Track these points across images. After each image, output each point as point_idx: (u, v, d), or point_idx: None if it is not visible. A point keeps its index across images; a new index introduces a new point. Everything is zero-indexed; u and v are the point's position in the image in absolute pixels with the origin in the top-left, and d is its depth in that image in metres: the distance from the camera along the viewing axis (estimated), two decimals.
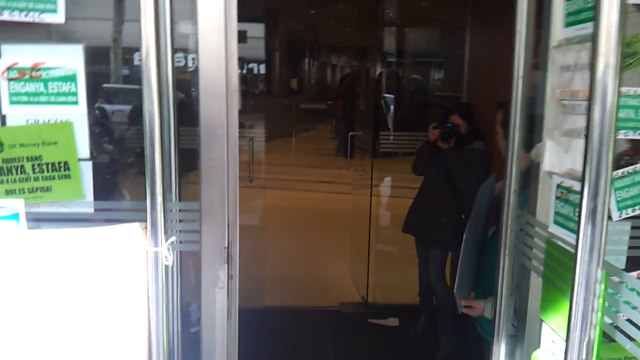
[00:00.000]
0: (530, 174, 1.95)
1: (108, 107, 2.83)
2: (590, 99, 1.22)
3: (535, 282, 1.92)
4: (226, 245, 1.81)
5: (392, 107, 7.43)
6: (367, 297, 4.78)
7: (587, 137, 1.23)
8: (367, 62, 5.66)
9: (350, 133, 5.21)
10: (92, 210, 1.76)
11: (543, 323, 1.75)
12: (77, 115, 1.66)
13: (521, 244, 1.95)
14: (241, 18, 1.70)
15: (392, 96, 7.75)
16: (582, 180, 1.25)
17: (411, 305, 4.38)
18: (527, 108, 1.90)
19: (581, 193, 1.25)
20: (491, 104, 3.83)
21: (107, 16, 2.15)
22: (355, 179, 5.42)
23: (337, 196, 7.86)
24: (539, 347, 1.83)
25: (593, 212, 1.22)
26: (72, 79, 1.60)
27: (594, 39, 1.21)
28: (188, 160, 1.84)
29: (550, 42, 1.80)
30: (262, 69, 9.68)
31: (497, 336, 2.00)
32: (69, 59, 1.60)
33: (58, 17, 1.55)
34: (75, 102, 1.63)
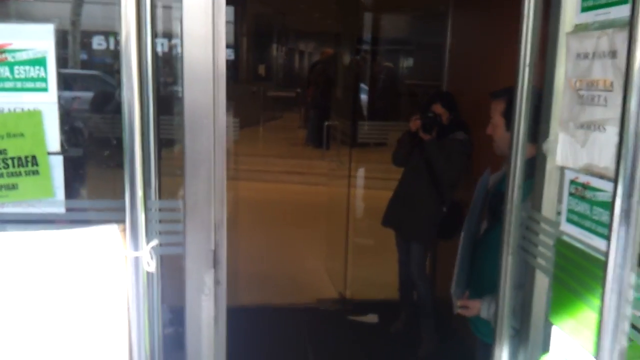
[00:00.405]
0: (532, 166, 1.87)
1: (66, 94, 2.64)
2: (625, 89, 1.13)
3: (541, 282, 1.85)
4: (213, 248, 1.69)
5: (363, 96, 7.34)
6: (345, 292, 4.69)
7: (621, 131, 1.14)
8: (341, 48, 5.55)
9: (326, 123, 5.05)
10: (63, 210, 1.60)
11: (553, 326, 1.67)
12: (47, 104, 1.50)
13: (526, 242, 1.88)
14: None
15: (364, 86, 7.65)
16: (615, 179, 1.16)
17: (391, 300, 4.31)
18: (533, 98, 1.81)
19: (614, 192, 1.17)
20: (474, 93, 3.85)
21: None
22: (330, 169, 5.32)
23: (309, 187, 7.77)
24: (545, 350, 1.76)
25: (627, 213, 1.14)
26: (41, 62, 1.44)
27: (631, 24, 1.12)
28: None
29: (560, 27, 1.71)
30: (229, 54, 9.50)
31: (499, 338, 1.92)
32: (38, 40, 1.43)
33: None
34: (45, 89, 1.47)
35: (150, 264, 1.57)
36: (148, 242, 1.57)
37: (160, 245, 1.65)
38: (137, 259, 1.56)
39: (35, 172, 1.54)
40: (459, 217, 3.91)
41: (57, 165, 1.57)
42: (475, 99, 3.82)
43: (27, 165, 1.52)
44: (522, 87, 1.78)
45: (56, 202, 1.59)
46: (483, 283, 2.26)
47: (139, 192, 1.50)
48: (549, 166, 1.78)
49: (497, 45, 3.52)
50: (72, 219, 1.61)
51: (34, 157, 1.53)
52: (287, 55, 18.16)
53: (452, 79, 4.40)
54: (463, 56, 4.22)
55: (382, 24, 7.91)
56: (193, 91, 1.58)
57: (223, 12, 1.56)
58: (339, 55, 5.97)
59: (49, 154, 1.55)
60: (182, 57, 1.54)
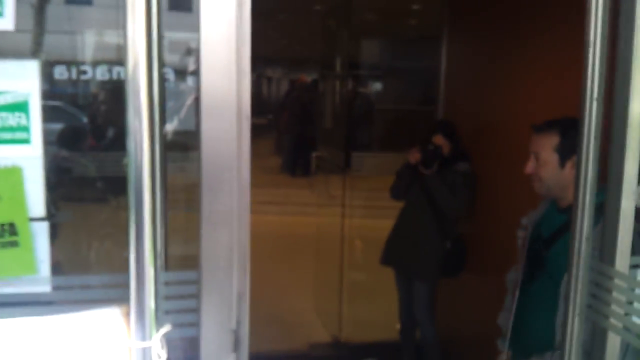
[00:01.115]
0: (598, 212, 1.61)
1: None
2: None
3: (614, 345, 1.58)
4: (234, 327, 1.36)
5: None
6: (340, 335, 4.36)
7: None
8: (327, 73, 5.31)
9: (314, 154, 4.77)
10: (49, 288, 1.26)
11: None
12: (29, 158, 1.17)
13: (594, 300, 1.61)
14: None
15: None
16: None
17: (391, 342, 4.00)
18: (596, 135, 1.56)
19: None
20: (475, 121, 3.66)
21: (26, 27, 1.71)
22: (319, 198, 5.05)
23: (289, 219, 7.48)
24: None
25: None
26: (22, 107, 1.12)
27: None
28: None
29: (635, 52, 1.47)
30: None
31: None
32: (18, 81, 1.11)
33: (5, 23, 1.08)
34: (27, 140, 1.15)
35: (161, 356, 1.23)
36: (158, 328, 1.24)
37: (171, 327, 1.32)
38: (144, 350, 1.22)
39: (14, 244, 1.20)
40: (464, 252, 3.69)
41: (41, 234, 1.23)
42: (475, 126, 3.64)
43: (3, 236, 1.19)
44: (590, 123, 1.52)
45: (40, 280, 1.25)
46: (529, 339, 2.00)
47: (149, 269, 1.18)
48: (623, 213, 1.53)
49: (495, 69, 3.33)
50: (61, 299, 1.27)
51: (12, 225, 1.19)
52: (254, 82, 17.82)
53: (448, 105, 4.18)
54: (459, 81, 4.01)
55: (373, 48, 7.71)
56: (212, 140, 1.27)
57: (248, 38, 1.26)
58: (325, 80, 5.72)
59: (31, 220, 1.22)
60: (199, 98, 1.24)
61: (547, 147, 1.95)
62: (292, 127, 9.64)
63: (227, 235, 1.32)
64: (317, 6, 6.71)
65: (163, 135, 1.29)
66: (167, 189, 1.37)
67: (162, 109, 1.26)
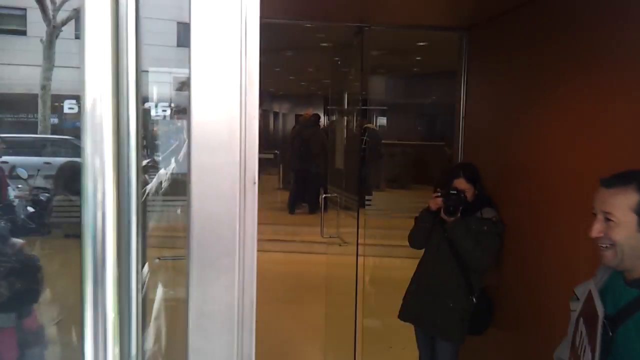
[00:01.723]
0: None
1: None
2: None
3: None
4: None
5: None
6: None
7: None
8: (335, 110, 5.09)
9: (324, 195, 4.51)
10: None
11: None
12: None
13: None
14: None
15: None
16: None
17: None
18: None
19: None
20: (499, 163, 3.33)
21: None
22: (330, 236, 4.72)
23: (299, 257, 7.22)
24: None
25: None
26: None
27: None
28: None
29: None
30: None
31: None
32: None
33: None
34: None
35: None
36: None
37: None
38: None
39: None
40: (491, 308, 3.35)
41: None
42: (500, 169, 3.33)
43: None
44: None
45: None
46: None
47: None
48: None
49: (526, 107, 3.00)
50: None
51: None
52: (261, 117, 17.75)
53: (467, 145, 3.85)
54: (480, 119, 3.68)
55: (387, 84, 7.52)
56: (205, 204, 0.92)
57: (256, 70, 0.92)
58: (339, 120, 5.54)
59: None
60: (188, 137, 0.89)
61: (621, 206, 1.59)
62: (295, 162, 9.33)
63: (227, 338, 0.96)
64: (325, 43, 6.52)
65: (141, 179, 0.93)
66: (146, 257, 1.03)
67: (139, 147, 0.91)
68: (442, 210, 3.18)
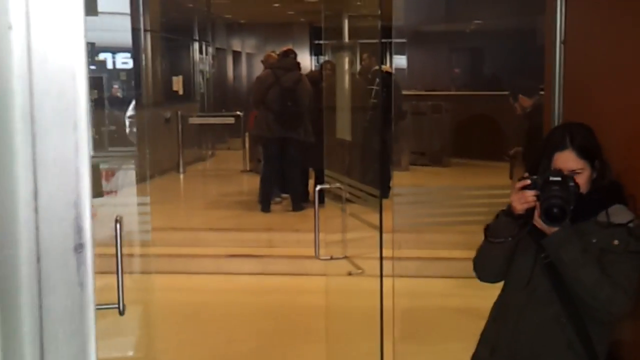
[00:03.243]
0: None
1: None
2: None
3: None
4: None
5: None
6: None
7: None
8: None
9: (319, 187, 4.56)
10: None
11: None
12: None
13: None
14: None
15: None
16: None
17: None
18: None
19: None
20: (632, 127, 3.21)
21: None
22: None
23: (282, 280, 7.27)
24: None
25: None
26: None
27: None
28: None
29: None
30: (124, 61, 8.70)
31: None
32: None
33: None
34: None
35: None
36: None
37: None
38: None
39: None
40: None
41: None
42: (634, 134, 3.19)
43: None
44: None
45: None
46: None
47: None
48: None
49: None
50: None
51: None
52: (216, 60, 17.60)
53: (570, 95, 3.64)
54: (597, 46, 3.51)
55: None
56: None
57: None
58: (326, 55, 5.64)
59: None
60: None
61: None
62: (271, 128, 9.36)
63: None
64: None
65: None
66: None
67: None
68: (535, 214, 2.90)
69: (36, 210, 1.09)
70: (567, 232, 2.87)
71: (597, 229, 2.90)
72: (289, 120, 9.06)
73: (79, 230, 1.10)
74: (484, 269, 3.18)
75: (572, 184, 2.90)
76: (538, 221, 2.90)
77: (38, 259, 1.10)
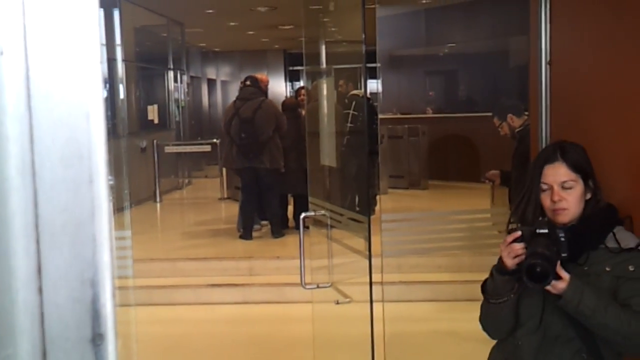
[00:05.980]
0: None
1: None
2: None
3: None
4: None
5: None
6: None
7: None
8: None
9: (303, 214, 4.31)
10: None
11: None
12: None
13: None
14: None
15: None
16: None
17: None
18: None
19: None
20: (625, 148, 3.13)
21: None
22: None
23: (257, 309, 7.12)
24: None
25: None
26: None
27: None
28: None
29: None
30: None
31: None
32: None
33: None
34: None
35: None
36: None
37: None
38: None
39: None
40: None
41: None
42: (627, 155, 3.13)
43: None
44: None
45: None
46: None
47: None
48: None
49: None
50: None
51: None
52: (192, 88, 17.37)
53: (557, 117, 3.57)
54: (581, 65, 3.47)
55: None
56: None
57: None
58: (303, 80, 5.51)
59: None
60: None
61: None
62: (236, 158, 9.16)
63: None
64: None
65: None
66: None
67: None
68: (524, 273, 2.67)
69: (40, 291, 0.83)
70: (576, 284, 2.66)
71: (609, 256, 2.75)
72: (251, 151, 8.83)
73: (97, 316, 0.85)
74: (499, 331, 2.99)
75: (561, 234, 2.73)
76: (528, 282, 2.68)
77: (44, 355, 0.83)
